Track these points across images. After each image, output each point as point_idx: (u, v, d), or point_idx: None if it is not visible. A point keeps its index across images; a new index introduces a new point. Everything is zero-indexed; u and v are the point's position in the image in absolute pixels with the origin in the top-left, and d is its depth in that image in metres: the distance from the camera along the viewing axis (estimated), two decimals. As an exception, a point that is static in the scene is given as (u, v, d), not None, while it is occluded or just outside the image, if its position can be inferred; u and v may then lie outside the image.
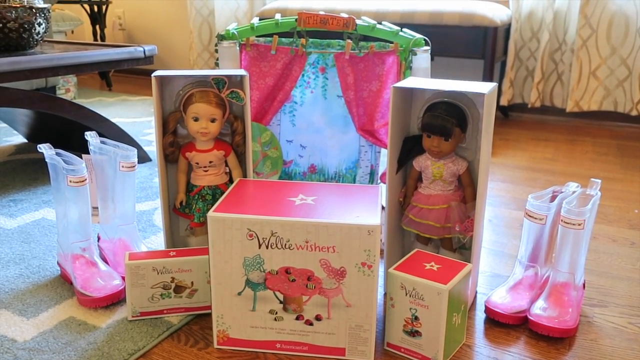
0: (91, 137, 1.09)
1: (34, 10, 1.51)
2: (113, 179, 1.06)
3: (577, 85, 2.35)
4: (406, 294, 0.83)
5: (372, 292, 0.82)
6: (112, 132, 1.64)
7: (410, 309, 0.83)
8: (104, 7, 3.21)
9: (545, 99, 2.49)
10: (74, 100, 2.80)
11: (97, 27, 3.26)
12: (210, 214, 0.82)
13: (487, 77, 2.23)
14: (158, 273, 0.91)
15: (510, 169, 1.84)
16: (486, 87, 0.91)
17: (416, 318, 0.83)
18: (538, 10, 2.40)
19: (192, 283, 0.93)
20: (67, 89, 2.79)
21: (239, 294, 0.85)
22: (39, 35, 1.57)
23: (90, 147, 1.09)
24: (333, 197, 0.90)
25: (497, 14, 2.22)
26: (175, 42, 3.39)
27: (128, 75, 3.60)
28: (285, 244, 0.81)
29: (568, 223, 0.90)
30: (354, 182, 1.34)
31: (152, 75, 0.95)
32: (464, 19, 2.19)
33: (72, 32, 3.20)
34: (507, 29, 2.40)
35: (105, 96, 2.95)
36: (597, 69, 2.32)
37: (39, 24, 1.55)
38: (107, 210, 1.09)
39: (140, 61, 1.67)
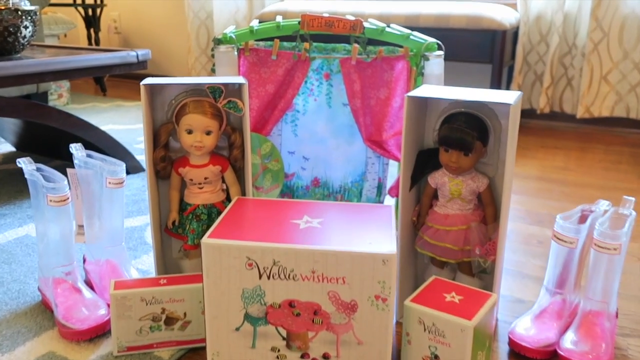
0: (76, 149, 1.00)
1: (19, 12, 1.42)
2: (99, 195, 0.97)
3: (587, 91, 2.27)
4: (425, 330, 0.74)
5: (387, 328, 0.73)
6: (103, 141, 1.55)
7: (430, 346, 0.74)
8: (98, 10, 3.12)
9: (554, 104, 2.40)
10: (66, 106, 2.72)
11: (92, 30, 3.17)
12: (205, 240, 0.73)
13: (495, 83, 2.14)
14: (147, 304, 0.82)
15: (521, 179, 1.75)
16: (511, 97, 0.82)
17: (436, 357, 0.74)
18: (547, 13, 2.31)
19: (184, 314, 0.84)
20: (59, 94, 2.70)
21: (237, 329, 0.75)
22: (26, 40, 1.48)
23: (75, 161, 1.00)
24: (341, 219, 0.81)
25: (506, 17, 2.13)
26: (172, 46, 3.31)
27: (123, 79, 3.50)
28: (289, 274, 0.72)
29: (602, 247, 0.81)
30: (360, 196, 1.25)
31: (141, 83, 0.86)
32: (471, 22, 2.10)
33: (65, 35, 3.11)
34: (515, 32, 2.32)
35: (99, 102, 2.86)
36: (608, 74, 2.24)
37: (26, 27, 1.46)
38: (93, 229, 0.99)
39: (133, 66, 1.58)
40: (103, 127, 2.27)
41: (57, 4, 2.96)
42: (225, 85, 0.90)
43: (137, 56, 1.56)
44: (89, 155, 1.00)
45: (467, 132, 0.83)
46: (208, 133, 0.89)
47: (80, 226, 1.03)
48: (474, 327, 0.71)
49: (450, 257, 0.91)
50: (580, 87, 2.30)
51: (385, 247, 0.71)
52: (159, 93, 0.93)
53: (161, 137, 0.91)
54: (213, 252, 0.73)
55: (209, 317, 0.75)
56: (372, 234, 0.75)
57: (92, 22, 3.14)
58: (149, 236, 1.25)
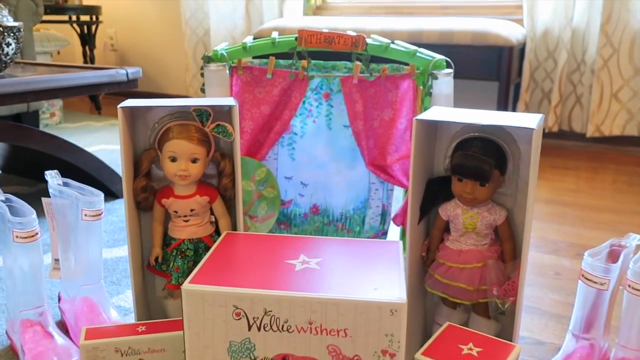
0: (51, 177, 0.91)
1: (1, 28, 1.35)
2: (75, 228, 0.88)
3: (597, 109, 2.18)
4: (439, 388, 0.64)
5: (396, 387, 0.63)
6: (90, 164, 1.46)
7: (445, 407, 0.65)
8: (93, 27, 3.06)
9: (563, 123, 2.32)
10: (59, 125, 2.64)
11: (87, 48, 3.11)
12: (186, 286, 0.63)
13: (502, 101, 2.06)
14: (122, 355, 0.72)
15: (533, 203, 1.66)
16: (532, 120, 0.73)
17: (452, 419, 0.64)
18: (554, 29, 2.24)
19: (166, 365, 0.74)
20: (52, 113, 2.62)
21: (224, 386, 0.66)
22: (8, 57, 1.40)
23: (50, 190, 0.91)
24: (343, 258, 0.71)
25: (512, 33, 2.06)
26: (170, 63, 3.24)
27: (119, 97, 3.42)
28: (283, 326, 0.63)
29: (637, 290, 0.72)
30: (363, 224, 1.16)
31: (119, 106, 0.77)
32: (476, 38, 2.03)
33: (59, 53, 3.04)
34: (522, 48, 2.24)
35: (93, 120, 2.78)
36: (619, 91, 2.16)
37: (8, 44, 1.38)
38: (68, 265, 0.90)
39: (123, 85, 1.50)
40: (95, 147, 2.20)
41: (51, 21, 2.89)
42: (214, 107, 0.81)
43: (127, 74, 1.48)
44: (65, 184, 0.91)
45: (483, 159, 0.74)
46: (194, 161, 0.80)
47: (57, 260, 0.94)
48: (496, 387, 0.61)
49: (465, 298, 0.81)
50: (590, 105, 2.22)
51: (394, 294, 0.62)
52: (141, 116, 0.84)
53: (142, 164, 0.82)
54: (195, 300, 0.63)
55: (191, 373, 0.66)
56: (378, 277, 0.66)
57: (87, 39, 3.07)
58: (134, 268, 1.15)
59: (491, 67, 2.04)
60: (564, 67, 2.20)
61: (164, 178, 0.84)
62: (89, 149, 1.84)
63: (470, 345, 0.68)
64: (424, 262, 0.86)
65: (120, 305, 1.02)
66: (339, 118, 1.11)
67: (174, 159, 0.79)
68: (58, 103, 2.65)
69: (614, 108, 2.18)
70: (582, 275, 0.76)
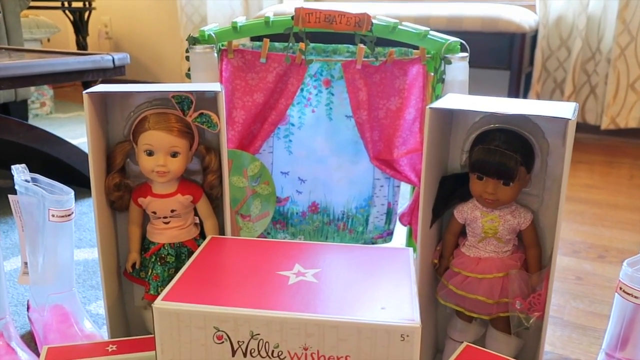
0: (17, 171, 0.81)
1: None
2: (42, 229, 0.78)
3: (613, 100, 2.07)
4: None
5: None
6: (72, 156, 1.36)
7: None
8: (86, 14, 2.95)
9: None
10: (49, 115, 2.54)
11: (81, 36, 3.00)
12: (158, 304, 0.53)
13: (514, 91, 1.95)
14: (89, 378, 0.62)
15: (547, 199, 1.56)
16: (567, 110, 0.63)
17: None
18: (568, 15, 2.13)
19: (140, 390, 0.65)
20: (42, 102, 2.52)
21: (204, 420, 0.56)
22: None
23: (16, 186, 0.81)
24: (344, 269, 0.61)
25: (524, 19, 1.94)
26: (166, 51, 3.13)
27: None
28: (273, 352, 0.53)
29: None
30: (367, 224, 1.06)
31: (85, 92, 0.67)
32: (487, 24, 1.91)
33: (49, 40, 2.93)
34: (534, 36, 2.13)
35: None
36: (636, 81, 2.04)
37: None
38: (36, 269, 0.80)
39: (109, 72, 1.39)
40: (85, 139, 2.10)
41: (41, 7, 2.78)
42: (196, 94, 0.71)
43: (113, 60, 1.38)
44: (33, 179, 0.81)
45: (508, 155, 0.64)
46: (174, 155, 0.70)
47: (26, 264, 0.84)
48: None
49: (483, 311, 0.71)
50: (605, 96, 2.11)
51: (405, 315, 0.52)
52: (117, 104, 0.74)
53: (116, 159, 0.72)
54: (169, 320, 0.53)
55: (165, 405, 0.56)
56: (385, 294, 0.56)
57: (79, 26, 2.96)
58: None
59: (502, 55, 1.93)
60: (578, 55, 2.09)
61: (140, 174, 0.74)
62: (79, 140, 1.74)
63: (493, 372, 0.58)
64: (437, 270, 0.76)
65: (98, 313, 0.92)
66: (341, 107, 1.00)
67: (150, 153, 0.69)
68: (48, 92, 2.54)
69: (630, 99, 2.07)
70: (620, 289, 0.66)
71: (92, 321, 0.83)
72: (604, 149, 2.12)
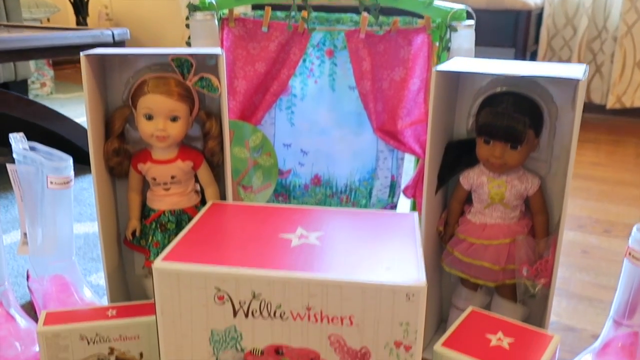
0: (15, 140, 0.80)
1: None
2: (41, 198, 0.77)
3: (619, 79, 2.05)
4: (462, 387, 0.54)
5: (411, 386, 0.52)
6: (73, 132, 1.35)
7: (469, 410, 0.54)
8: (86, -6, 2.92)
9: (581, 94, 2.18)
10: (50, 96, 2.52)
11: (81, 16, 2.97)
12: (157, 264, 0.52)
13: (519, 69, 1.92)
14: (89, 342, 0.62)
15: (552, 177, 1.54)
16: (577, 70, 0.61)
17: None
18: (575, -7, 2.09)
19: (140, 355, 0.64)
20: (42, 83, 2.50)
21: (205, 383, 0.55)
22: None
23: (14, 155, 0.80)
24: (348, 232, 0.60)
25: (530, -4, 1.91)
26: (168, 34, 3.10)
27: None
28: (275, 312, 0.52)
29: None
30: (370, 197, 1.05)
31: (82, 53, 0.65)
32: (492, 1, 1.89)
33: (48, 20, 2.90)
34: (539, 14, 2.10)
35: (86, 92, 2.66)
36: (643, 60, 2.02)
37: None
38: (36, 240, 0.79)
39: (108, 47, 1.37)
40: (84, 119, 2.08)
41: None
42: (197, 57, 0.69)
43: (113, 35, 1.36)
44: (32, 148, 0.80)
45: (516, 117, 0.63)
46: (174, 119, 0.68)
47: (26, 234, 0.83)
48: (534, 387, 0.50)
49: (489, 278, 0.70)
50: (611, 75, 2.09)
51: (410, 275, 0.51)
52: (116, 69, 0.72)
53: (115, 124, 0.71)
54: (169, 281, 0.52)
55: (166, 367, 0.55)
56: (390, 255, 0.55)
57: (79, 7, 2.94)
58: (117, 245, 1.05)
59: (507, 33, 1.90)
60: (584, 34, 2.06)
61: (140, 141, 0.72)
62: (80, 120, 1.72)
63: (500, 334, 0.57)
64: (441, 238, 0.75)
65: (99, 283, 0.92)
66: (344, 78, 0.99)
67: (150, 117, 0.68)
68: (49, 73, 2.52)
69: (636, 78, 2.04)
70: (629, 254, 0.65)
71: (92, 290, 0.82)
72: (609, 128, 2.10)
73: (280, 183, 1.04)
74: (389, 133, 0.99)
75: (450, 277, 0.80)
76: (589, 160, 1.71)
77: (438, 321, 0.82)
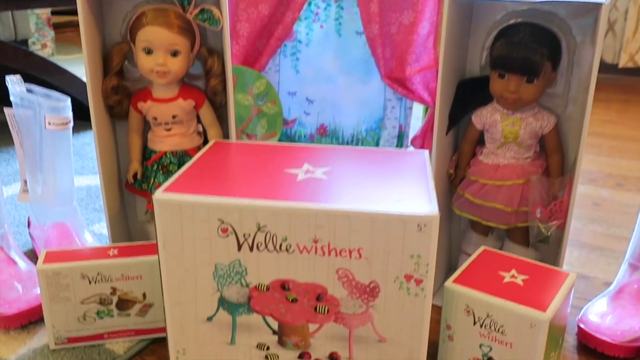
0: (12, 83, 0.77)
1: None
2: (40, 142, 0.75)
3: (632, 37, 1.99)
4: (475, 323, 0.52)
5: (422, 320, 0.51)
6: (73, 87, 1.32)
7: (481, 345, 0.52)
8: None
9: (593, 53, 2.13)
10: (51, 57, 2.48)
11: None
12: (158, 195, 0.50)
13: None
14: (90, 282, 0.60)
15: (562, 134, 1.51)
16: (599, -5, 0.58)
17: (490, 359, 0.52)
18: (589, -53, 2.02)
19: (144, 295, 0.63)
20: (43, 44, 2.46)
21: (209, 319, 0.54)
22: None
23: (11, 97, 0.77)
24: (356, 167, 0.58)
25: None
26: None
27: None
28: (281, 245, 0.50)
29: None
30: (377, 147, 1.02)
31: (77, -21, 0.62)
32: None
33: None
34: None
35: (87, 54, 2.61)
36: (657, 17, 1.96)
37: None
38: (36, 185, 0.78)
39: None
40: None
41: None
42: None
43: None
44: (29, 91, 0.77)
45: (533, 48, 0.59)
46: (174, 54, 0.65)
47: (26, 181, 0.81)
48: (549, 321, 0.49)
49: (501, 221, 0.68)
50: (624, 33, 2.03)
51: (422, 206, 0.48)
52: (113, 3, 0.69)
53: (113, 60, 0.68)
54: (171, 212, 0.50)
55: (169, 303, 0.54)
56: (400, 188, 0.53)
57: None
58: (119, 196, 1.03)
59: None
60: (597, -11, 1.99)
61: (139, 79, 0.70)
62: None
63: (514, 272, 0.55)
64: (452, 182, 0.72)
65: (102, 233, 0.90)
66: (351, 23, 0.95)
67: (149, 51, 0.65)
68: (49, 34, 2.48)
69: (650, 35, 1.98)
70: (648, 193, 0.63)
71: (95, 237, 0.81)
72: (621, 88, 2.05)
73: (285, 133, 1.02)
74: (397, 80, 0.96)
75: (459, 223, 0.78)
76: (600, 118, 1.67)
77: (447, 269, 0.80)
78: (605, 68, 2.15)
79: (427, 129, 0.96)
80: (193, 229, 0.51)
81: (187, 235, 0.51)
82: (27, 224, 0.86)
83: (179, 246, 0.51)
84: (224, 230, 0.50)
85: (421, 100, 0.96)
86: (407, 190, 0.52)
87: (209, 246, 0.51)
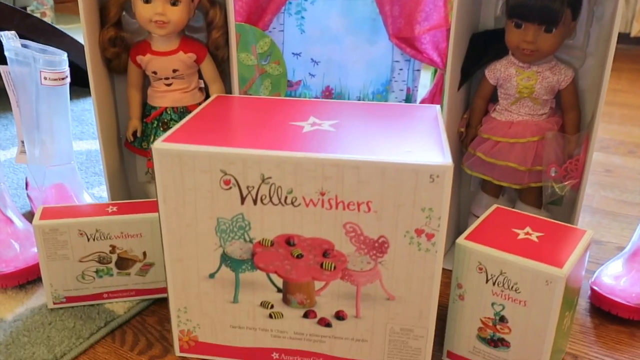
0: (7, 38, 0.75)
1: None
2: (36, 99, 0.72)
3: (646, 5, 1.94)
4: (487, 280, 0.50)
5: (432, 277, 0.49)
6: (72, 51, 1.27)
7: (494, 304, 0.50)
8: None
9: (604, 22, 2.08)
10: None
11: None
12: (157, 145, 0.48)
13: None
14: (89, 239, 0.58)
15: (572, 103, 1.48)
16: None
17: (502, 319, 0.50)
18: None
19: (144, 254, 0.61)
20: (42, 12, 2.42)
21: (212, 276, 0.52)
22: None
23: (6, 53, 0.74)
24: (364, 121, 0.55)
25: None
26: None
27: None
28: (286, 198, 0.48)
29: None
30: (384, 112, 0.99)
31: None
32: None
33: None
34: None
35: (88, 23, 2.57)
36: (672, -16, 1.90)
37: None
38: (33, 145, 0.75)
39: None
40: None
41: None
42: None
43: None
44: (24, 46, 0.75)
45: (552, -6, 0.56)
46: (174, 3, 0.63)
47: (23, 142, 0.79)
48: (566, 277, 0.46)
49: (513, 181, 0.65)
50: (637, 2, 1.97)
51: (434, 157, 0.46)
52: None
53: (110, 11, 0.65)
54: (171, 163, 0.48)
55: (170, 260, 0.52)
56: (412, 139, 0.50)
57: None
58: (120, 160, 1.01)
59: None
60: (611, -45, 1.93)
61: (138, 30, 0.67)
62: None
63: (528, 229, 0.53)
64: (462, 142, 0.70)
65: (102, 196, 0.88)
66: (358, -20, 0.91)
67: (147, 0, 0.62)
68: (49, 2, 2.43)
69: (664, 4, 1.93)
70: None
71: (93, 198, 0.79)
72: (632, 58, 2.00)
73: (290, 95, 0.99)
74: (405, 40, 0.92)
75: (469, 185, 0.75)
76: (611, 87, 1.63)
77: (455, 233, 0.78)
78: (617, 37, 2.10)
79: (435, 92, 0.93)
80: (194, 181, 0.48)
81: (188, 188, 0.49)
82: (25, 186, 0.84)
83: (180, 200, 0.49)
84: (227, 182, 0.48)
85: (430, 62, 0.93)
86: (418, 141, 0.50)
87: (211, 199, 0.49)
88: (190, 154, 0.47)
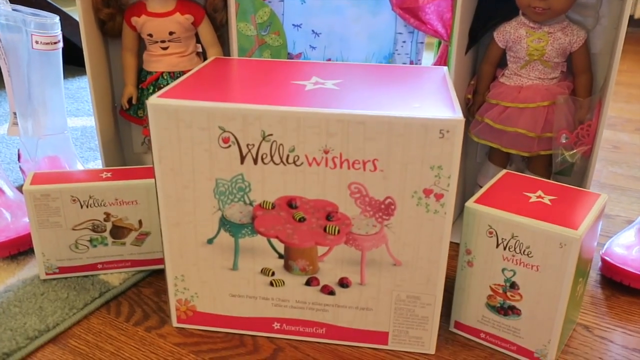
0: (-3, 3, 0.72)
1: None
2: (28, 66, 0.70)
3: (650, -14, 1.91)
4: (498, 245, 0.48)
5: (441, 241, 0.47)
6: (67, 26, 1.25)
7: (504, 270, 0.48)
8: None
9: (608, 4, 2.05)
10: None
11: None
12: (152, 100, 0.45)
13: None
14: (82, 205, 0.56)
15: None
16: None
17: (513, 285, 0.48)
18: None
19: (139, 222, 0.58)
20: (37, -5, 2.37)
21: (210, 241, 0.50)
22: None
23: (-4, 19, 0.72)
24: (369, 79, 0.53)
25: None
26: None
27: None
28: (288, 157, 0.45)
29: None
30: (386, 86, 0.97)
31: None
32: None
33: None
34: None
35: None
36: (678, -36, 1.87)
37: None
38: (25, 114, 0.73)
39: None
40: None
41: None
42: None
43: None
44: (14, 10, 0.72)
45: (566, -53, 0.54)
46: (170, -40, 0.60)
47: (15, 114, 0.77)
48: (581, 240, 0.44)
49: (523, 148, 0.63)
50: (641, -18, 1.94)
51: (445, 111, 0.44)
52: None
53: (104, -30, 0.62)
54: (166, 120, 0.46)
55: (166, 225, 0.50)
56: (420, 95, 0.48)
57: None
58: (116, 135, 0.98)
59: None
60: None
61: (133, -9, 0.64)
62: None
63: (540, 193, 0.50)
64: (469, 109, 0.67)
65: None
66: (360, -52, 0.88)
67: (142, -43, 0.59)
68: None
69: (669, -16, 1.90)
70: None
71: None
72: (637, 40, 1.97)
73: (290, 68, 0.96)
74: (409, 10, 0.90)
75: (475, 156, 0.73)
76: (620, 68, 1.61)
77: (461, 205, 0.76)
78: (621, 20, 2.08)
79: (440, 64, 0.91)
80: (191, 138, 0.46)
81: (184, 147, 0.46)
82: (17, 157, 0.82)
83: (177, 159, 0.47)
84: (226, 140, 0.46)
85: (434, 33, 0.90)
86: (427, 98, 0.47)
87: (209, 159, 0.47)
88: (187, 109, 0.45)
